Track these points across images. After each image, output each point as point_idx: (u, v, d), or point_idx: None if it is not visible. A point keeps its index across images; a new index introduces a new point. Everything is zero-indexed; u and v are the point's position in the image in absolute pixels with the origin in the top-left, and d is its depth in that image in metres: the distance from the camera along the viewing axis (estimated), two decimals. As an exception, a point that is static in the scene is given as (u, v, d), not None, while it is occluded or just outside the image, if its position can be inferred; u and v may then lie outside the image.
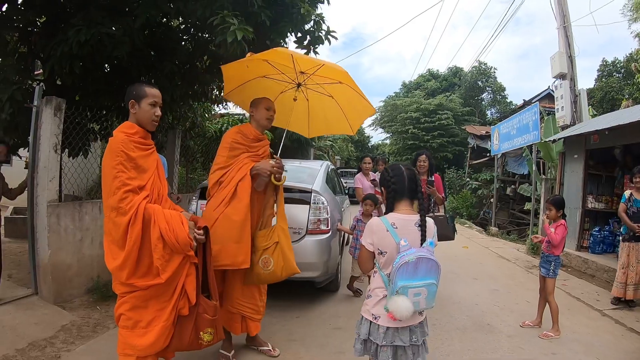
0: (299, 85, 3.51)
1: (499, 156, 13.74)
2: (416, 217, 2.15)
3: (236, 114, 12.19)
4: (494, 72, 24.33)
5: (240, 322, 3.22)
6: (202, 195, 4.34)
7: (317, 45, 5.60)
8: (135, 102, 2.45)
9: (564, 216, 4.04)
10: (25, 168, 4.55)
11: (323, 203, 4.43)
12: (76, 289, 4.30)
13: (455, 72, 29.16)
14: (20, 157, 5.59)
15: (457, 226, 13.54)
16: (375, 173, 6.66)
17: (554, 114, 9.81)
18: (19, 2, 4.70)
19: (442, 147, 21.26)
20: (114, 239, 2.29)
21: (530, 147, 10.59)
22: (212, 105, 8.66)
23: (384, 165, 7.17)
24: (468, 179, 17.21)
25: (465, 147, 20.30)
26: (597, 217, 7.71)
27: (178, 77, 5.51)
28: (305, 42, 5.54)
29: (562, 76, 8.95)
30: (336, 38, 5.67)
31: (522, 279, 6.56)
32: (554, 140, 8.53)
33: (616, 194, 7.59)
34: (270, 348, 3.41)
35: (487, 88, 24.49)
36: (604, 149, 7.41)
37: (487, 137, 17.29)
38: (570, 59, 8.83)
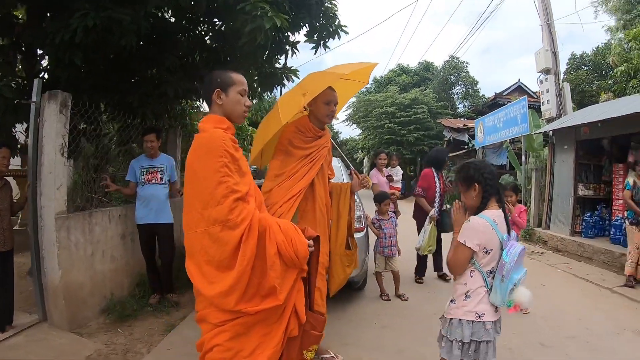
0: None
1: (477, 148, 14.01)
2: (500, 212, 2.23)
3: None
4: (466, 67, 24.95)
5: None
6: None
7: (327, 40, 5.32)
8: (222, 91, 2.07)
9: (519, 201, 4.33)
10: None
11: (356, 200, 4.19)
12: (90, 310, 3.81)
13: (427, 66, 29.50)
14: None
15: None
16: (387, 169, 6.50)
17: (532, 108, 10.14)
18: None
19: (418, 141, 21.47)
20: (213, 259, 1.90)
21: (513, 139, 10.88)
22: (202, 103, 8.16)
23: (398, 161, 7.02)
24: (445, 171, 17.41)
25: (441, 140, 20.62)
26: (585, 203, 8.02)
27: (181, 71, 5.06)
28: (315, 36, 5.27)
29: (546, 71, 9.23)
30: (347, 32, 5.42)
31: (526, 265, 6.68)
32: (545, 132, 8.75)
33: (604, 182, 7.98)
34: (333, 355, 3.18)
35: (459, 82, 24.99)
36: (592, 140, 7.71)
37: (464, 130, 17.65)
38: (554, 55, 9.10)
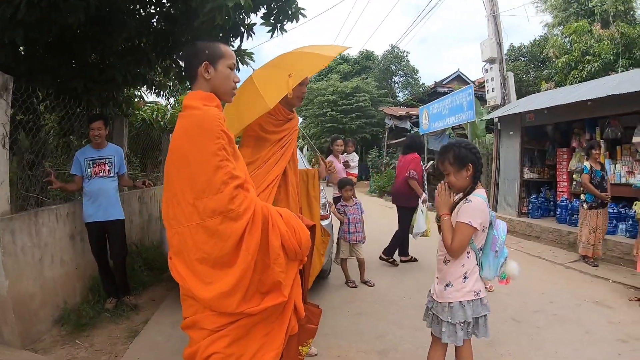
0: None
1: (421, 135, 14.39)
2: (484, 190, 2.28)
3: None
4: (407, 56, 25.59)
5: None
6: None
7: (284, 22, 5.08)
8: (210, 64, 1.82)
9: None
10: None
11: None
12: (43, 323, 3.36)
13: (367, 56, 29.96)
14: None
15: (389, 203, 14.08)
16: (344, 155, 6.41)
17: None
18: None
19: (360, 129, 21.80)
20: (209, 256, 1.67)
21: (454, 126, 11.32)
22: (147, 91, 7.60)
23: (354, 147, 6.95)
24: (389, 158, 17.81)
25: (382, 128, 21.00)
26: (530, 186, 8.50)
27: (129, 55, 4.62)
28: (272, 19, 5.02)
29: (491, 60, 9.61)
30: (305, 16, 5.21)
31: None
32: (492, 119, 9.11)
33: (547, 165, 8.47)
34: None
35: (400, 71, 25.62)
36: (537, 126, 8.14)
37: (406, 117, 18.03)
38: (499, 45, 9.47)
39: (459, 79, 20.31)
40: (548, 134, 8.21)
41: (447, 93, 18.46)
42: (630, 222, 5.62)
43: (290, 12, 4.93)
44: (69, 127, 4.30)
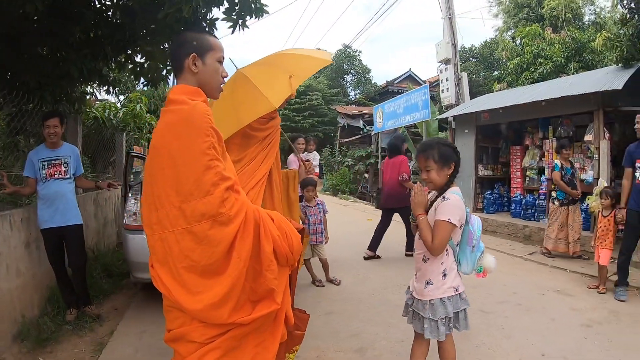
0: None
1: (372, 134, 14.65)
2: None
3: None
4: (359, 55, 25.92)
5: None
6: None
7: (246, 18, 4.94)
8: (198, 56, 1.69)
9: None
10: None
11: None
12: (2, 339, 3.06)
13: (320, 54, 30.00)
14: None
15: (344, 201, 14.29)
16: (305, 153, 6.35)
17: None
18: None
19: (313, 127, 21.83)
20: (197, 264, 1.54)
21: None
22: (98, 87, 7.17)
23: (315, 145, 6.92)
24: (341, 157, 18.00)
25: (335, 127, 21.18)
26: (484, 182, 8.86)
27: (86, 49, 4.31)
28: (234, 14, 4.87)
29: (446, 61, 9.91)
30: (268, 12, 5.10)
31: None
32: (446, 118, 9.41)
33: (501, 163, 8.85)
34: None
35: (351, 70, 25.90)
36: (490, 125, 8.48)
37: (358, 116, 18.26)
38: (454, 46, 9.79)
39: (411, 79, 20.86)
40: (502, 132, 8.58)
41: (398, 92, 18.93)
42: (583, 215, 5.99)
43: (253, 8, 4.82)
44: (20, 126, 3.95)
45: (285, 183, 3.10)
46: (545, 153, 7.24)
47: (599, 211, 4.66)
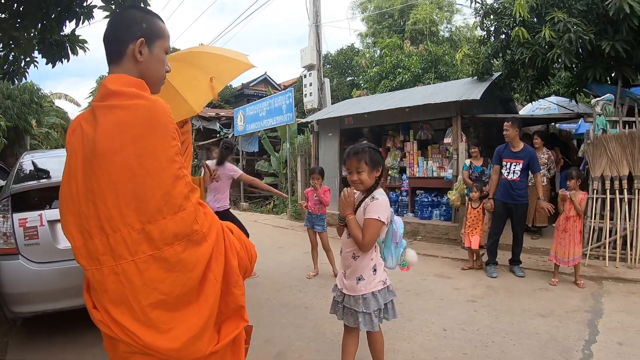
0: None
1: (234, 136, 14.36)
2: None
3: None
4: (208, 57, 24.91)
5: None
6: (18, 206, 3.18)
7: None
8: (146, 42, 1.37)
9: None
10: None
11: None
12: None
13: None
14: None
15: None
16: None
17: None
18: None
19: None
20: (168, 297, 1.26)
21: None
22: None
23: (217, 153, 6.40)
24: (197, 160, 17.09)
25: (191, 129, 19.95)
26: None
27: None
28: (112, 3, 4.28)
29: (310, 67, 10.28)
30: (149, 6, 4.59)
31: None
32: (310, 122, 9.75)
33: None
34: None
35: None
36: (353, 129, 9.14)
37: (215, 118, 17.61)
38: (319, 53, 10.22)
39: (266, 82, 21.00)
40: (364, 135, 9.22)
41: (254, 95, 18.87)
42: (444, 207, 6.81)
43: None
44: None
45: None
46: (407, 154, 8.09)
47: (468, 203, 5.34)
